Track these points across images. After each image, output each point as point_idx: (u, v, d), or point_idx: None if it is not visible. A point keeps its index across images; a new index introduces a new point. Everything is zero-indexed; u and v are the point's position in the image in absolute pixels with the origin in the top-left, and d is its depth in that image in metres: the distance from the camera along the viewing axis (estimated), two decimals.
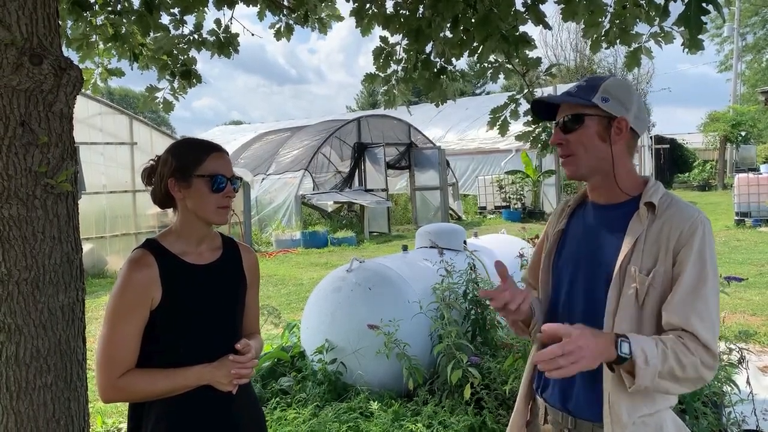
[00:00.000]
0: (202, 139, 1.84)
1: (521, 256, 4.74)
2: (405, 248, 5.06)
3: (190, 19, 3.42)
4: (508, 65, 3.12)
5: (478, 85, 44.16)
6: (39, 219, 1.90)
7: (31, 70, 1.83)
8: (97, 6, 3.20)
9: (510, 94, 3.26)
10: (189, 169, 1.69)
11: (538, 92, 3.28)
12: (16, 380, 1.90)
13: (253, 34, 3.75)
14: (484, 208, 19.23)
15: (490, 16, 2.78)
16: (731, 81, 33.18)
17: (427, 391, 3.83)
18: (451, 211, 17.25)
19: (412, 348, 3.86)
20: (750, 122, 25.63)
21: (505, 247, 5.43)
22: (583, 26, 3.01)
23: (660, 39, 2.85)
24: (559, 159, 1.66)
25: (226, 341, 1.73)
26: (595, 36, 3.03)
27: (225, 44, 3.51)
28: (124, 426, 3.96)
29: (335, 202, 15.34)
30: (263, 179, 15.28)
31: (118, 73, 3.53)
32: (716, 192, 23.95)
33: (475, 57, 3.05)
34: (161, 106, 3.54)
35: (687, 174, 27.59)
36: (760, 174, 13.85)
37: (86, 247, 9.45)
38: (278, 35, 3.65)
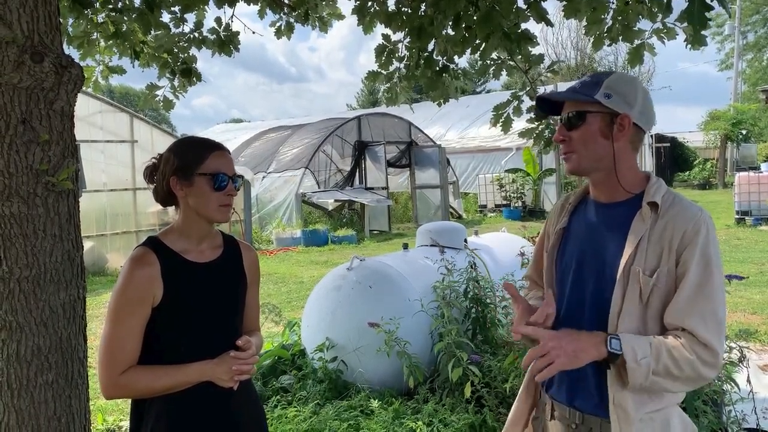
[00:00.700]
0: (204, 137, 1.84)
1: (522, 254, 4.74)
2: (405, 246, 5.06)
3: (191, 17, 3.42)
4: (511, 62, 3.11)
5: (479, 83, 44.14)
6: (40, 217, 1.90)
7: (32, 68, 1.83)
8: (97, 4, 3.20)
9: (512, 91, 3.25)
10: (191, 168, 1.69)
11: (541, 90, 3.27)
12: (17, 378, 1.90)
13: (253, 32, 3.75)
14: (485, 206, 19.23)
15: (492, 13, 2.78)
16: (732, 79, 33.16)
17: (428, 390, 3.83)
18: (451, 210, 17.25)
19: (413, 346, 3.86)
20: (751, 121, 25.62)
21: (505, 245, 5.43)
22: (585, 23, 3.00)
23: (663, 35, 2.84)
24: (561, 156, 1.66)
25: (227, 339, 1.74)
26: (597, 33, 3.03)
27: (225, 42, 3.51)
28: (124, 424, 3.97)
29: (336, 201, 15.34)
30: (264, 177, 15.28)
31: (119, 70, 3.52)
32: (717, 191, 23.95)
33: (478, 54, 3.04)
34: (161, 104, 3.53)
35: (687, 173, 27.57)
36: (761, 173, 13.83)
37: (87, 245, 9.45)
38: (279, 34, 3.65)
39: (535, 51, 3.07)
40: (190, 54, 3.51)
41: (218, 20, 3.47)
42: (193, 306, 1.71)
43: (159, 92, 3.51)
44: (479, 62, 3.18)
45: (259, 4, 3.45)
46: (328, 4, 3.60)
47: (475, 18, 2.91)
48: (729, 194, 16.78)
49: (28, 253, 1.89)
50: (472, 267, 4.27)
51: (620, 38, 2.99)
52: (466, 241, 4.94)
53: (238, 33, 3.54)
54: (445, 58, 3.26)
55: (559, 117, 1.64)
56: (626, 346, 1.41)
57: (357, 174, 16.28)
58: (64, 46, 2.19)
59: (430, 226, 5.16)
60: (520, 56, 3.05)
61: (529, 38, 2.94)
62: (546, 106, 1.70)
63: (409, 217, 17.35)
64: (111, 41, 3.34)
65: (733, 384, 3.28)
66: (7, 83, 1.82)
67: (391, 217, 16.14)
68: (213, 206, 1.71)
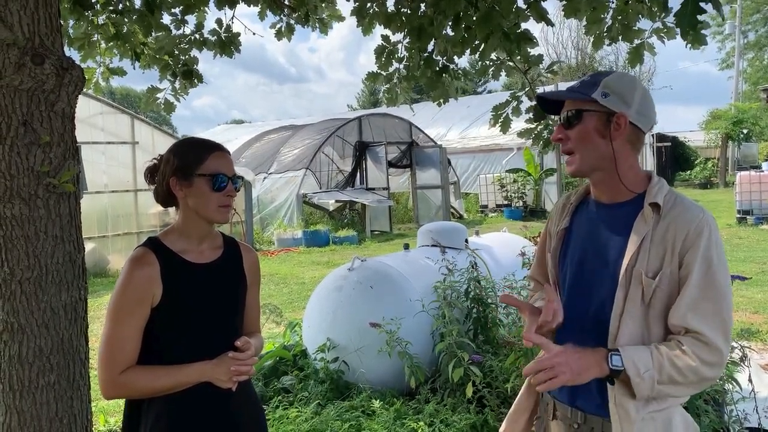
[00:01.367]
0: (204, 138, 1.84)
1: (523, 254, 4.74)
2: (406, 247, 5.06)
3: (191, 19, 3.42)
4: (510, 63, 3.11)
5: (480, 83, 44.13)
6: (41, 218, 1.91)
7: (33, 70, 1.84)
8: (98, 5, 3.20)
9: (512, 91, 3.25)
10: (191, 168, 1.70)
11: (540, 90, 3.27)
12: (19, 379, 1.90)
13: (254, 34, 3.75)
14: (486, 206, 19.22)
15: (491, 13, 2.78)
16: (733, 79, 33.13)
17: (429, 390, 3.83)
18: (452, 210, 17.25)
19: (414, 346, 3.86)
20: (752, 120, 25.58)
21: (506, 245, 5.43)
22: (585, 23, 3.00)
23: (663, 35, 2.84)
24: (560, 156, 1.66)
25: (227, 339, 1.74)
26: (597, 32, 3.03)
27: (226, 44, 3.51)
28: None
29: (337, 201, 15.34)
30: (265, 178, 15.29)
31: (120, 72, 3.53)
32: (718, 190, 23.91)
33: (477, 55, 3.04)
34: (163, 107, 3.54)
35: (688, 172, 27.54)
36: (762, 172, 13.81)
37: (88, 246, 9.44)
38: (279, 35, 3.65)
39: (535, 51, 3.07)
40: (191, 55, 3.52)
41: (219, 21, 3.48)
42: (193, 306, 1.71)
43: (160, 95, 3.52)
44: (479, 63, 3.18)
45: (260, 6, 3.46)
46: (328, 5, 3.60)
47: (474, 18, 2.91)
48: (730, 193, 16.76)
49: (30, 254, 1.89)
50: (473, 267, 4.27)
51: (620, 38, 2.99)
52: (467, 241, 4.94)
53: (238, 34, 3.55)
54: (444, 58, 3.26)
55: (558, 116, 1.65)
56: (627, 361, 1.41)
57: (358, 174, 16.28)
58: (65, 47, 2.20)
59: (431, 227, 5.15)
60: (519, 57, 3.05)
61: (529, 38, 2.94)
62: (547, 106, 1.70)
63: (410, 217, 17.35)
64: (112, 43, 3.35)
65: (734, 383, 3.28)
66: (8, 85, 1.82)
67: (392, 217, 16.13)
68: (212, 207, 1.71)
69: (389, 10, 3.20)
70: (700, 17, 2.17)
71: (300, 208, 14.39)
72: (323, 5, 3.58)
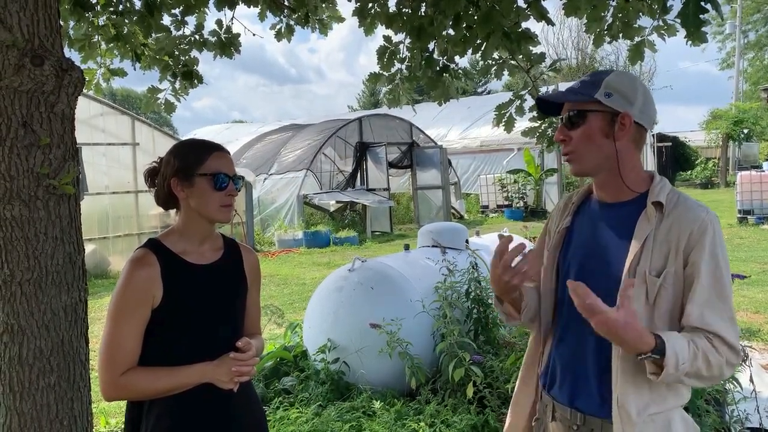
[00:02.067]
0: (204, 139, 1.85)
1: (523, 255, 4.73)
2: (407, 247, 5.06)
3: (191, 20, 3.42)
4: (512, 62, 3.11)
5: (480, 83, 44.14)
6: (41, 220, 1.90)
7: (33, 72, 1.83)
8: (98, 6, 3.20)
9: (514, 91, 3.25)
10: (191, 169, 1.70)
11: (543, 89, 3.27)
12: (19, 381, 1.90)
13: (254, 35, 3.75)
14: (487, 207, 19.21)
15: (492, 13, 2.78)
16: (733, 78, 33.12)
17: (430, 390, 3.83)
18: (453, 210, 17.25)
19: (415, 347, 3.86)
20: (752, 120, 25.57)
21: None
22: (585, 21, 3.00)
23: (663, 32, 2.84)
24: (562, 156, 1.65)
25: (227, 341, 1.74)
26: (597, 31, 3.02)
27: (226, 45, 3.51)
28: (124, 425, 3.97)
29: (337, 202, 15.34)
30: (265, 179, 15.29)
31: (120, 73, 3.53)
32: (719, 190, 23.90)
33: (479, 54, 3.04)
34: (163, 107, 3.54)
35: (689, 172, 27.54)
36: (763, 171, 13.80)
37: (89, 247, 9.46)
38: (279, 36, 3.65)
39: (536, 50, 3.07)
40: (192, 56, 3.52)
41: (219, 22, 3.48)
42: (193, 307, 1.71)
43: (160, 95, 3.52)
44: (481, 62, 3.17)
45: (260, 7, 3.46)
46: (328, 6, 3.60)
47: (475, 18, 2.91)
48: (731, 193, 16.75)
49: (30, 256, 1.89)
50: (473, 267, 4.27)
51: (620, 36, 2.99)
52: (467, 241, 4.94)
53: (238, 35, 3.54)
54: (445, 57, 3.25)
55: (560, 117, 1.64)
56: (670, 352, 1.36)
57: (358, 175, 16.28)
58: (66, 49, 2.20)
59: (432, 227, 5.15)
60: (521, 55, 3.04)
61: (530, 37, 2.94)
62: (546, 107, 1.70)
63: (411, 218, 17.35)
64: (112, 44, 3.35)
65: (735, 383, 3.28)
66: (7, 86, 1.82)
67: (393, 218, 16.13)
68: (214, 206, 1.71)
69: (391, 11, 3.20)
70: (702, 16, 2.18)
71: (301, 209, 14.39)
72: (323, 6, 3.57)
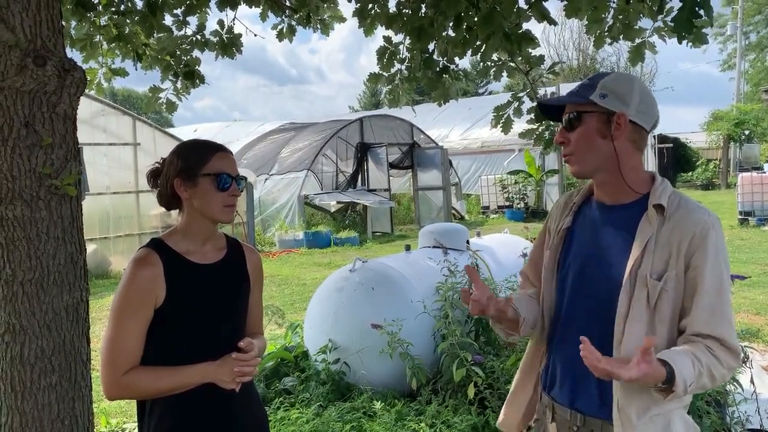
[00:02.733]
0: (207, 139, 1.85)
1: (524, 255, 4.74)
2: (408, 248, 5.06)
3: (193, 20, 3.43)
4: (512, 63, 3.11)
5: (481, 84, 44.15)
6: (43, 220, 1.91)
7: (35, 72, 1.84)
8: (100, 6, 3.21)
9: (513, 92, 3.25)
10: (194, 169, 1.70)
11: (542, 91, 3.27)
12: (20, 380, 1.91)
13: (255, 35, 3.76)
14: (487, 207, 19.21)
15: (493, 14, 2.78)
16: (734, 80, 33.11)
17: (431, 391, 3.83)
18: (453, 211, 17.24)
19: (416, 347, 3.86)
20: (753, 121, 25.55)
21: (507, 246, 5.43)
22: (586, 22, 3.01)
23: (664, 33, 2.84)
24: (562, 157, 1.66)
25: (230, 340, 1.74)
26: (598, 32, 3.03)
27: (228, 45, 3.52)
28: (128, 426, 3.97)
29: (338, 203, 15.34)
30: (266, 179, 15.29)
31: (122, 72, 3.54)
32: (720, 191, 23.89)
33: (479, 56, 3.04)
34: (164, 106, 3.55)
35: (690, 173, 27.52)
36: (764, 173, 13.79)
37: (90, 247, 9.45)
38: (280, 36, 3.65)
39: (536, 52, 3.07)
40: (193, 56, 3.53)
41: (221, 23, 3.48)
42: (196, 307, 1.71)
43: (162, 95, 3.53)
44: (481, 64, 3.18)
45: (261, 7, 3.46)
46: (330, 6, 3.60)
47: (476, 19, 2.91)
48: (732, 195, 16.75)
49: (32, 256, 1.89)
50: (474, 268, 4.27)
51: (621, 37, 2.99)
52: (468, 242, 4.94)
53: (240, 35, 3.55)
54: (445, 58, 3.25)
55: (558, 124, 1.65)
56: (679, 379, 1.36)
57: (359, 176, 16.28)
58: (67, 48, 2.20)
59: (433, 228, 5.16)
60: (520, 57, 3.05)
61: (530, 38, 2.94)
62: (548, 111, 1.71)
63: (412, 218, 17.35)
64: (114, 44, 3.36)
65: (736, 385, 3.28)
66: (10, 87, 1.83)
67: (394, 218, 16.13)
68: (217, 206, 1.72)
69: (391, 11, 3.20)
70: (697, 21, 2.19)
71: (301, 210, 14.39)
72: (325, 6, 3.58)
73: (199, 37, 3.48)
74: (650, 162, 24.36)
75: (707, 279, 1.45)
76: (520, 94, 3.18)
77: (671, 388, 1.36)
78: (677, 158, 29.03)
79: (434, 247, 4.81)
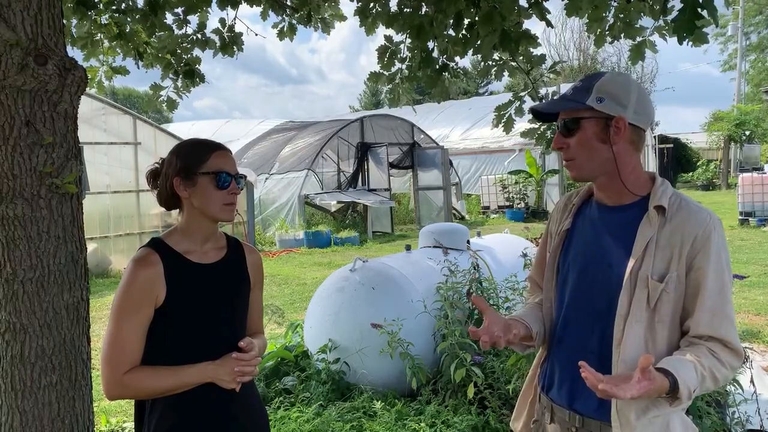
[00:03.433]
0: (206, 138, 1.85)
1: (524, 255, 4.74)
2: (408, 248, 5.06)
3: (194, 19, 3.43)
4: (512, 63, 3.11)
5: (482, 84, 44.15)
6: (44, 219, 1.91)
7: (36, 71, 1.84)
8: (101, 5, 3.21)
9: (514, 92, 3.25)
10: (193, 168, 1.70)
11: (543, 91, 3.27)
12: (21, 379, 1.90)
13: (256, 34, 3.76)
14: (488, 207, 19.21)
15: (493, 12, 2.78)
16: (735, 80, 33.09)
17: (431, 391, 3.83)
18: (454, 211, 17.24)
19: (416, 347, 3.86)
20: (754, 121, 25.55)
21: (508, 246, 5.43)
22: (587, 21, 3.00)
23: (664, 32, 2.84)
24: (563, 164, 1.65)
25: (230, 340, 1.74)
26: (599, 31, 3.03)
27: (229, 44, 3.52)
28: (128, 425, 3.97)
29: (338, 202, 15.34)
30: (266, 179, 15.29)
31: (123, 71, 3.54)
32: (720, 191, 23.88)
33: (479, 55, 3.04)
34: (165, 104, 3.55)
35: (691, 173, 27.51)
36: (765, 173, 13.79)
37: (90, 246, 9.47)
38: (281, 35, 3.65)
39: (537, 51, 3.07)
40: (194, 55, 3.53)
41: (222, 21, 3.48)
42: (196, 307, 1.71)
43: (162, 92, 3.53)
44: (481, 63, 3.17)
45: (262, 6, 3.46)
46: (330, 5, 3.60)
47: (476, 18, 2.91)
48: (732, 195, 16.75)
49: (32, 254, 1.89)
50: (474, 268, 4.27)
51: (622, 36, 2.99)
52: (468, 242, 4.94)
53: (241, 34, 3.55)
54: (444, 56, 3.25)
55: (556, 124, 1.63)
56: (682, 387, 1.35)
57: (360, 175, 16.28)
58: (68, 47, 2.20)
59: (433, 228, 5.15)
60: (521, 57, 3.04)
61: (531, 37, 2.94)
62: (541, 114, 1.68)
63: (412, 218, 17.34)
64: (114, 42, 3.36)
65: (736, 385, 3.28)
66: (11, 85, 1.82)
67: (394, 218, 16.12)
68: (217, 205, 1.71)
69: (392, 11, 3.20)
70: (699, 21, 2.18)
71: (302, 209, 14.38)
72: (325, 5, 3.58)
73: (199, 35, 3.48)
74: (651, 162, 24.36)
75: (710, 281, 1.44)
76: (522, 94, 3.18)
77: (676, 396, 1.36)
78: (678, 158, 29.02)
79: (434, 247, 4.81)
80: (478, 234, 5.83)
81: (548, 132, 3.23)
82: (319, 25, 3.65)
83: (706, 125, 27.54)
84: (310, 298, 4.57)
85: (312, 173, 14.98)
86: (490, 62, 3.12)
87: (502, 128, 3.15)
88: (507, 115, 3.13)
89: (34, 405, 1.92)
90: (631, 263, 1.49)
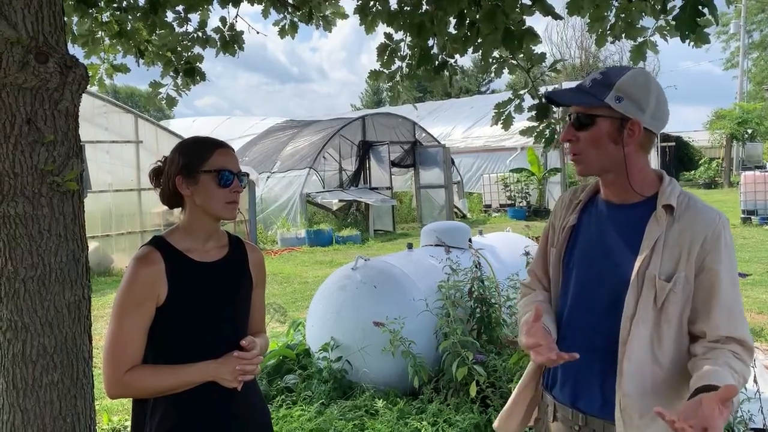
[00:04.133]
0: (208, 136, 1.84)
1: (526, 254, 4.73)
2: (410, 246, 5.06)
3: (195, 17, 3.42)
4: (513, 61, 3.10)
5: (484, 83, 44.11)
6: (45, 217, 1.91)
7: (37, 68, 1.83)
8: (102, 3, 3.21)
9: (514, 90, 3.24)
10: (195, 166, 1.69)
11: (543, 89, 3.26)
12: (22, 378, 1.90)
13: (258, 32, 3.75)
14: (489, 206, 19.20)
15: (495, 11, 2.77)
16: (737, 78, 33.04)
17: (433, 389, 3.83)
18: (455, 210, 17.23)
19: (418, 346, 3.86)
20: (756, 120, 25.49)
21: (510, 245, 5.42)
22: (588, 20, 3.00)
23: (665, 32, 2.84)
24: (565, 156, 1.64)
25: (232, 339, 1.73)
26: (600, 30, 3.02)
27: (230, 42, 3.51)
28: (129, 423, 3.98)
29: (340, 201, 15.34)
30: (268, 177, 15.29)
31: (124, 69, 3.53)
32: (722, 190, 23.83)
33: (479, 53, 3.03)
34: (164, 101, 3.54)
35: (693, 172, 27.46)
36: (767, 172, 13.76)
37: (92, 245, 9.47)
38: (282, 33, 3.64)
39: (538, 49, 3.06)
40: (195, 53, 3.52)
41: (223, 20, 3.48)
42: (198, 306, 1.71)
43: (162, 90, 3.52)
44: (481, 61, 3.16)
45: (263, 4, 3.45)
46: (332, 3, 3.59)
47: (478, 16, 2.90)
48: (735, 193, 16.72)
49: (33, 253, 1.89)
50: (476, 267, 4.26)
51: (623, 35, 2.98)
52: (470, 240, 4.93)
53: (242, 32, 3.54)
54: (444, 53, 3.24)
55: (568, 113, 1.59)
56: (735, 402, 1.33)
57: (361, 174, 16.27)
58: (69, 44, 2.20)
59: (435, 226, 5.15)
60: (522, 54, 3.04)
61: (533, 35, 2.93)
62: (556, 101, 1.66)
63: (414, 216, 17.34)
64: (115, 40, 3.35)
65: None
66: (12, 83, 1.82)
67: (396, 217, 16.12)
68: (219, 203, 1.71)
69: (392, 8, 3.19)
70: (700, 20, 2.18)
71: (303, 208, 14.39)
72: (326, 3, 3.57)
73: (200, 34, 3.47)
74: (653, 161, 24.31)
75: (724, 282, 1.43)
76: (521, 92, 3.17)
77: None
78: (680, 157, 28.95)
79: (436, 245, 4.80)
80: (480, 232, 5.82)
81: (547, 130, 3.23)
82: (321, 23, 3.64)
83: (708, 123, 27.48)
84: (312, 296, 4.57)
85: (314, 172, 14.98)
86: (490, 60, 3.11)
87: (501, 125, 3.14)
88: (506, 113, 3.12)
89: (35, 403, 1.92)
90: (638, 262, 1.48)
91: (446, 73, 3.26)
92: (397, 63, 3.36)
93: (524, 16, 2.90)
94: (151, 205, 11.07)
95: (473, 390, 3.55)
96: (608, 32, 3.04)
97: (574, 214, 1.69)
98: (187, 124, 24.88)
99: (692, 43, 2.59)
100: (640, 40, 2.96)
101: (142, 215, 11.13)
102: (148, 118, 11.52)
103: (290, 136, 17.15)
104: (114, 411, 4.27)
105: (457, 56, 3.27)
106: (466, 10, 2.91)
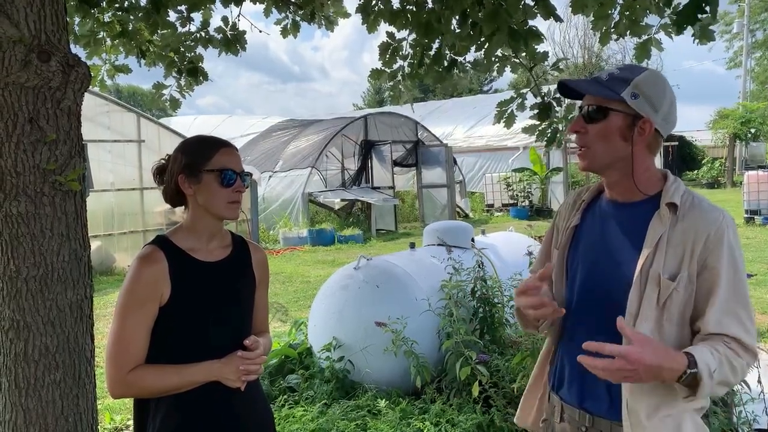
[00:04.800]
0: (211, 135, 1.84)
1: (529, 254, 4.72)
2: (412, 246, 5.05)
3: (197, 17, 3.42)
4: (515, 59, 3.10)
5: (486, 82, 44.08)
6: (47, 216, 1.90)
7: (39, 67, 1.83)
8: (104, 3, 3.20)
9: (516, 88, 3.24)
10: (198, 165, 1.69)
11: (545, 89, 3.25)
12: (24, 377, 1.90)
13: (260, 32, 3.75)
14: (492, 205, 19.19)
15: (498, 10, 2.76)
16: (740, 78, 32.96)
17: (435, 389, 3.82)
18: (458, 209, 17.22)
19: (420, 346, 3.85)
20: (760, 119, 25.44)
21: (512, 245, 5.41)
22: (592, 19, 2.99)
23: (670, 30, 2.83)
24: (568, 156, 1.63)
25: (235, 339, 1.73)
26: (604, 28, 3.01)
27: (232, 42, 3.51)
28: (132, 423, 3.98)
29: (342, 200, 15.34)
30: (270, 177, 15.30)
31: (125, 69, 3.53)
32: (725, 190, 23.80)
33: (482, 52, 3.03)
34: (168, 103, 3.54)
35: (696, 171, 27.41)
36: None
37: (94, 244, 9.48)
38: (285, 32, 3.64)
39: (540, 48, 3.05)
40: (197, 53, 3.52)
41: (225, 19, 3.47)
42: (201, 305, 1.70)
43: (165, 91, 3.52)
44: (484, 60, 3.16)
45: (265, 3, 3.45)
46: (334, 2, 3.59)
47: (480, 15, 2.89)
48: (738, 193, 16.69)
49: (36, 252, 1.89)
50: (479, 266, 4.26)
51: (627, 33, 2.97)
52: (473, 240, 4.92)
53: (244, 32, 3.54)
54: (453, 52, 3.23)
55: (579, 105, 1.58)
56: (701, 363, 1.34)
57: (363, 173, 16.27)
58: (71, 45, 2.19)
59: (437, 226, 5.14)
60: (525, 53, 3.03)
61: (537, 35, 2.92)
62: (568, 90, 1.64)
63: (416, 216, 17.33)
64: (117, 40, 3.35)
65: (743, 384, 3.25)
66: (14, 82, 1.82)
67: (398, 216, 16.12)
68: (222, 203, 1.71)
69: (394, 7, 3.19)
70: (701, 16, 2.18)
71: (305, 207, 14.39)
72: (329, 2, 3.56)
73: (202, 33, 3.47)
74: (656, 161, 24.26)
75: (723, 280, 1.42)
76: (524, 90, 3.16)
77: (696, 379, 1.34)
78: (683, 156, 28.90)
79: (439, 245, 4.79)
80: (483, 232, 5.82)
81: (549, 129, 3.22)
82: (323, 22, 3.64)
83: (711, 123, 27.42)
84: (314, 296, 4.57)
85: (316, 171, 14.98)
86: (493, 58, 3.10)
87: (503, 124, 3.14)
88: (509, 111, 3.12)
89: (37, 403, 1.92)
90: (641, 260, 1.47)
91: (456, 71, 3.25)
92: (399, 62, 3.35)
93: (527, 18, 2.89)
94: (153, 205, 11.08)
95: (476, 390, 3.54)
96: (612, 30, 3.03)
97: (577, 214, 1.69)
98: (188, 123, 24.84)
99: (696, 40, 2.59)
100: (644, 37, 2.95)
101: (145, 214, 11.14)
102: (151, 117, 11.53)
103: (292, 135, 17.16)
104: (116, 410, 4.27)
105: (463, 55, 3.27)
106: (469, 9, 2.90)
